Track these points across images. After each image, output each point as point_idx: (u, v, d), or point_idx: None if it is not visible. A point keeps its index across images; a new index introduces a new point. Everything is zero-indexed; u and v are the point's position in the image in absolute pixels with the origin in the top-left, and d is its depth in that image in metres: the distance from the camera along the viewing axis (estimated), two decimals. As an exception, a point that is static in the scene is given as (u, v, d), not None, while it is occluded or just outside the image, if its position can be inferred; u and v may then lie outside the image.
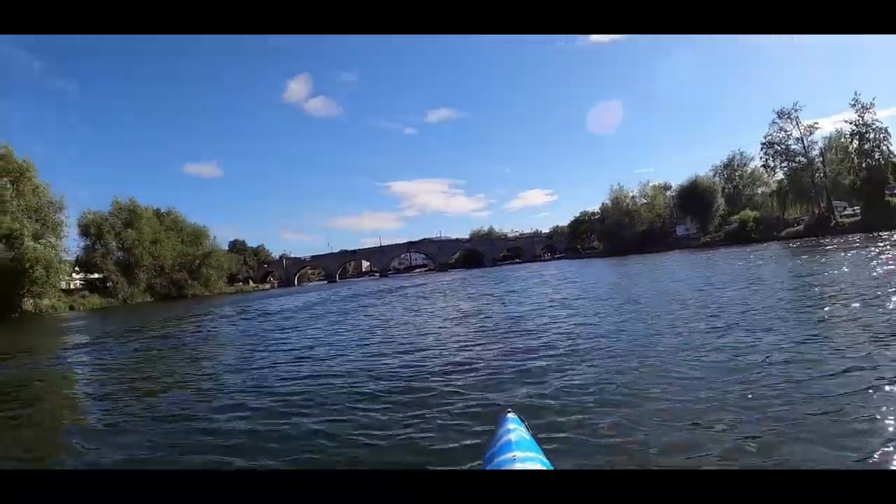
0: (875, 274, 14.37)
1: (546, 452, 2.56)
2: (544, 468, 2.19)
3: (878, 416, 4.13)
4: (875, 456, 3.47)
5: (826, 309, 9.57)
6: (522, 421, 2.92)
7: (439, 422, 5.00)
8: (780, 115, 61.75)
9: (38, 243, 48.91)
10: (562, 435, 4.33)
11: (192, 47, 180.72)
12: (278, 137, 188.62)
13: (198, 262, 77.16)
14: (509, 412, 3.01)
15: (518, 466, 2.10)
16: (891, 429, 3.89)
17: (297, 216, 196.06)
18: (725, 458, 3.69)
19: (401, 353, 9.12)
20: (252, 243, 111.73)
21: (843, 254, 23.60)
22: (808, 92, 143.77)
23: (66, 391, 9.15)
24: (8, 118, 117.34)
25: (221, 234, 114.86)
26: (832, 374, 5.40)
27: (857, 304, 9.58)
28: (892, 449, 3.56)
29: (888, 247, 24.59)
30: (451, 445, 4.35)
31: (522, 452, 2.31)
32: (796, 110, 61.17)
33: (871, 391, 4.74)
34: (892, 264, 16.55)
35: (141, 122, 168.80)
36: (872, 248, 24.34)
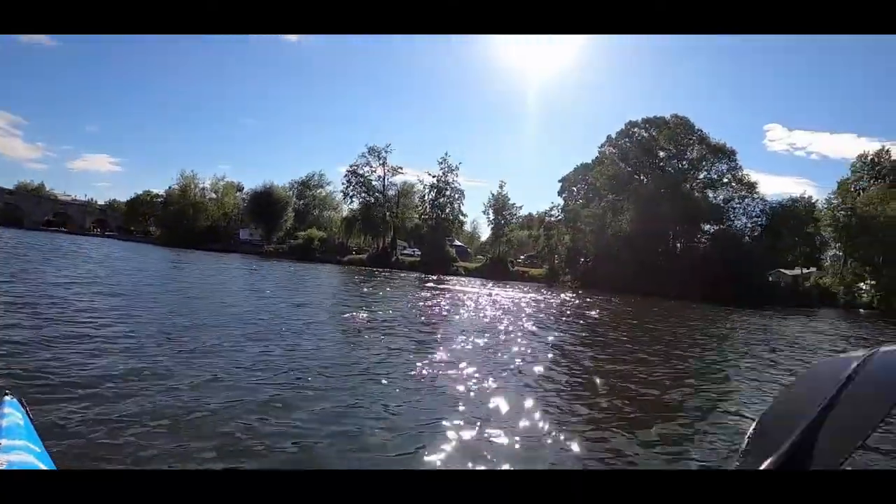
0: (413, 302, 19.58)
1: (49, 442, 2.41)
2: (30, 457, 1.95)
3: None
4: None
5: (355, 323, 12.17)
6: (23, 405, 2.49)
7: None
8: (371, 151, 63.80)
9: None
10: (69, 424, 4.28)
11: None
12: None
13: None
14: (7, 395, 2.56)
15: (1, 457, 1.83)
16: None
17: None
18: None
19: None
20: None
21: (397, 284, 30.44)
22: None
23: None
24: None
25: None
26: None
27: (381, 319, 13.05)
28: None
29: (437, 286, 31.54)
30: None
31: (10, 440, 2.03)
32: (386, 151, 63.67)
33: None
34: (430, 297, 22.44)
35: None
36: (421, 285, 31.28)
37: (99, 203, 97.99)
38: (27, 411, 2.54)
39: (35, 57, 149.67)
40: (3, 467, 1.77)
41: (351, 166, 64.03)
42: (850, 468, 2.20)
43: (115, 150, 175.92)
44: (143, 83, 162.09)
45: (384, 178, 64.18)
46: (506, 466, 4.25)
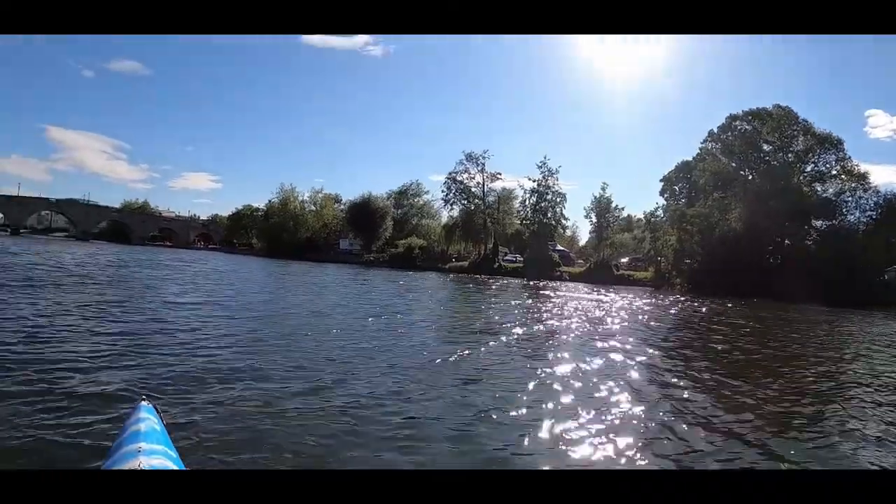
0: (530, 308, 20.18)
1: (179, 444, 2.52)
2: (167, 461, 2.09)
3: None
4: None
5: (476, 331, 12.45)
6: (157, 411, 2.77)
7: (68, 412, 4.76)
8: (469, 157, 64.56)
9: None
10: (197, 428, 4.51)
11: None
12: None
13: None
14: (144, 401, 2.84)
15: (142, 459, 1.98)
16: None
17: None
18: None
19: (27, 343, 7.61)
20: None
21: (506, 291, 30.46)
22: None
23: None
24: None
25: None
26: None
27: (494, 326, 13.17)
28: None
29: (546, 292, 31.71)
30: (78, 436, 4.21)
31: (149, 444, 2.18)
32: (484, 157, 64.11)
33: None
34: (543, 303, 22.57)
35: None
36: (531, 291, 31.67)
37: (202, 218, 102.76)
38: (161, 417, 2.74)
39: (133, 85, 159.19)
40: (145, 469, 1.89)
41: (450, 174, 65.16)
42: (850, 468, 3.66)
43: (213, 168, 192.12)
44: (232, 104, 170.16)
45: (483, 185, 64.90)
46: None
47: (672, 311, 23.11)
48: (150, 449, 2.13)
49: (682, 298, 33.12)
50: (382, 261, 61.33)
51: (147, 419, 2.57)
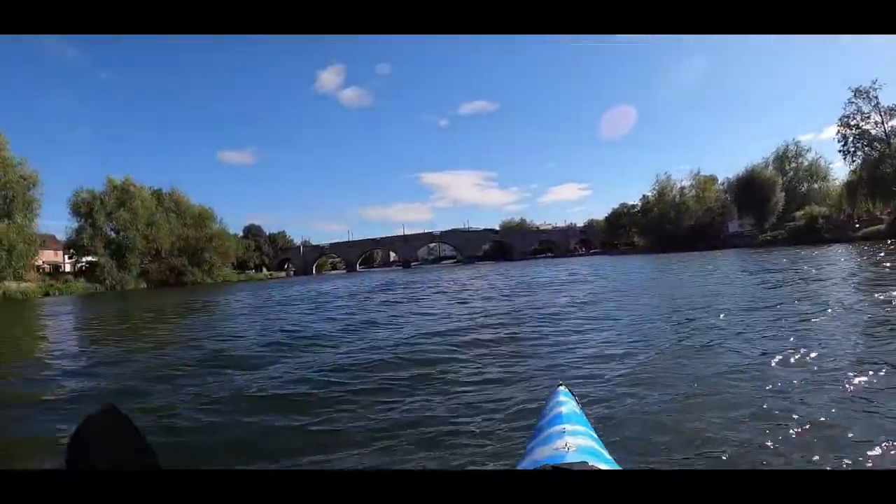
0: None
1: (595, 428, 2.51)
2: (591, 442, 2.17)
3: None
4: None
5: None
6: (573, 395, 2.78)
7: (495, 395, 5.31)
8: (857, 93, 51.11)
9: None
10: (607, 412, 4.56)
11: (216, 41, 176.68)
12: (311, 126, 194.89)
13: (200, 246, 68.18)
14: (560, 386, 2.81)
15: (567, 439, 2.07)
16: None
17: (328, 206, 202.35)
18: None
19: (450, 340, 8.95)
20: (293, 234, 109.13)
21: None
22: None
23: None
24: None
25: (257, 223, 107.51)
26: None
27: None
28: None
29: None
30: (510, 413, 4.65)
31: (571, 426, 2.27)
32: (876, 88, 50.08)
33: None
34: None
35: (174, 111, 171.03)
36: None
37: (578, 225, 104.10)
38: (577, 400, 2.76)
39: (484, 120, 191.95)
40: (573, 451, 1.90)
41: (841, 118, 52.30)
42: (850, 468, 2.27)
43: (580, 177, 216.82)
44: (577, 117, 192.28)
45: (883, 123, 50.27)
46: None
47: None
48: (574, 430, 2.19)
49: None
50: (781, 238, 53.33)
51: (567, 402, 2.64)
